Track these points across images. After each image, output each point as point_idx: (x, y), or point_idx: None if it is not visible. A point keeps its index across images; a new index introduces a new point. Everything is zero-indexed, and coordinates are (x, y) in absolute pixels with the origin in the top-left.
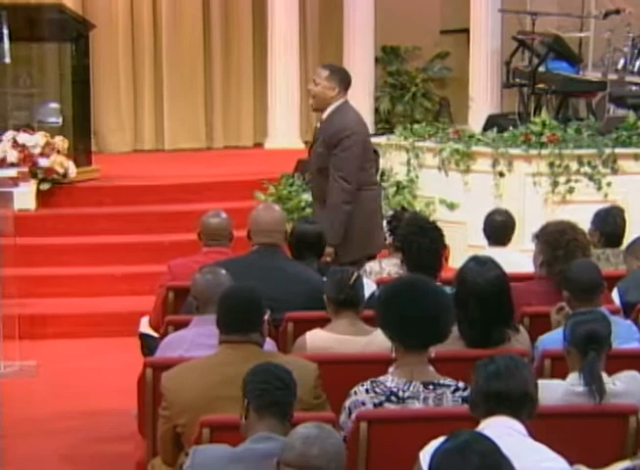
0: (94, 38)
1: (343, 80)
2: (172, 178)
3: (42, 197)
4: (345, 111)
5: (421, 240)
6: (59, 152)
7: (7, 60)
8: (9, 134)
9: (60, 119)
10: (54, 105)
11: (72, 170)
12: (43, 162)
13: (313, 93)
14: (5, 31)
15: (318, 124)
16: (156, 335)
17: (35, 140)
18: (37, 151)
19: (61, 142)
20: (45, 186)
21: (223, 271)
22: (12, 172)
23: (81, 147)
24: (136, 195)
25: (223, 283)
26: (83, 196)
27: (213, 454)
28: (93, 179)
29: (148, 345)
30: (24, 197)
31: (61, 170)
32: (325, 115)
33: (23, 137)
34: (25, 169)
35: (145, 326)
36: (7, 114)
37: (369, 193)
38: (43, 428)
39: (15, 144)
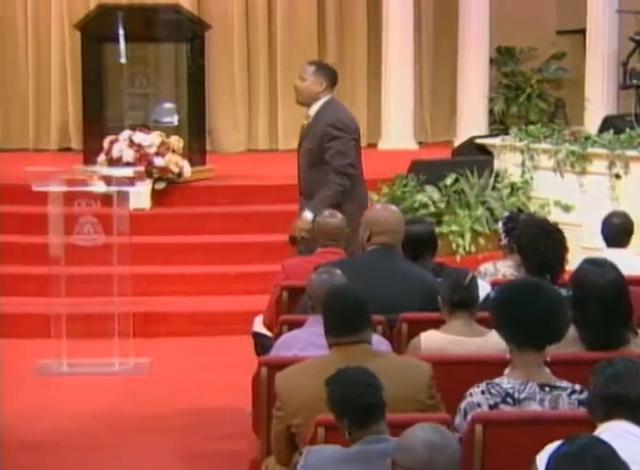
0: (209, 38)
1: (330, 76)
2: (286, 178)
3: (157, 196)
4: (335, 106)
5: (546, 242)
6: (174, 151)
7: (123, 60)
8: (125, 134)
9: (175, 119)
10: (169, 105)
11: (187, 170)
12: (158, 161)
13: (299, 89)
14: (121, 32)
15: (305, 122)
16: (269, 334)
17: (151, 140)
18: (153, 150)
19: (176, 142)
20: (160, 185)
21: (338, 271)
22: (128, 172)
23: (196, 147)
24: (250, 195)
25: (338, 283)
26: (197, 195)
27: (326, 455)
28: (207, 179)
29: (261, 344)
30: (140, 196)
31: (176, 170)
32: (312, 111)
33: (139, 137)
34: (141, 169)
35: (259, 325)
36: (123, 113)
37: (360, 189)
38: (157, 425)
39: (131, 143)
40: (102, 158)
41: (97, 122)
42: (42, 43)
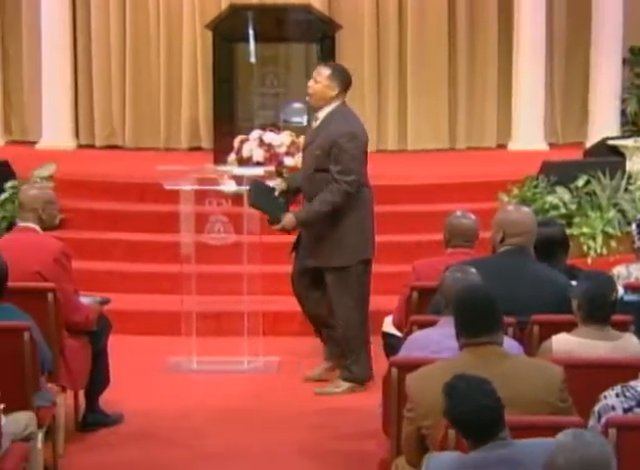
0: (340, 38)
1: (344, 81)
2: (415, 179)
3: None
4: (347, 114)
5: None
6: None
7: (253, 60)
8: (255, 133)
9: (305, 119)
10: (299, 105)
11: None
12: (288, 161)
13: (312, 91)
14: (252, 32)
15: (314, 123)
16: (399, 334)
17: (281, 139)
18: (283, 150)
19: None
20: None
21: (473, 270)
22: (259, 171)
23: None
24: (378, 195)
25: (472, 282)
26: None
27: (446, 461)
28: None
29: (391, 343)
30: None
31: None
32: (322, 115)
33: (269, 136)
34: (272, 168)
35: (389, 325)
36: (253, 113)
37: (366, 194)
38: (285, 424)
39: (261, 143)
40: (232, 157)
41: (227, 122)
42: (173, 43)
